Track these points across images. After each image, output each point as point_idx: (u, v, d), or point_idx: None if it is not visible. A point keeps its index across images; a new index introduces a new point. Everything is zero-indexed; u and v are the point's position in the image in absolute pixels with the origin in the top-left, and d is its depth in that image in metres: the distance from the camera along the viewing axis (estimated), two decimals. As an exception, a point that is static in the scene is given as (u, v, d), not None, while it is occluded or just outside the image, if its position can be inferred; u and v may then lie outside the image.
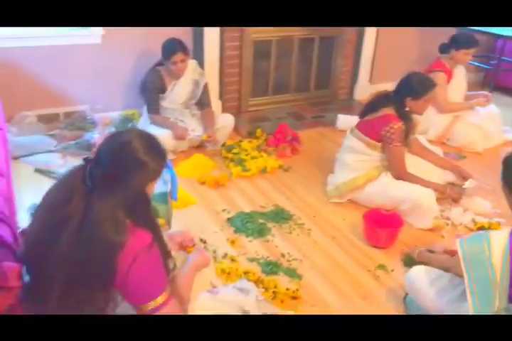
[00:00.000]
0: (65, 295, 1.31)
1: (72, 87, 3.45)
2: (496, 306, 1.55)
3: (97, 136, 3.23)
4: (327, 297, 2.01)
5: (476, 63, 4.62)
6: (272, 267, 2.14)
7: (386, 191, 2.55)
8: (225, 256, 2.21)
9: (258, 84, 4.01)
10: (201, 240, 2.30)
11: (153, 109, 3.14)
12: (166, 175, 2.17)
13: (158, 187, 2.04)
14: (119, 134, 1.43)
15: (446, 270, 1.83)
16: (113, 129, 3.35)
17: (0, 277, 1.29)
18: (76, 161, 2.57)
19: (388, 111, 2.56)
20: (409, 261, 2.18)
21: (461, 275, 1.65)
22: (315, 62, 4.19)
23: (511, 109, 4.08)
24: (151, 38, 3.38)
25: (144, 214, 1.40)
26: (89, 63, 3.43)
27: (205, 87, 3.25)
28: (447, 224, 2.52)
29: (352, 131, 2.71)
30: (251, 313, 1.64)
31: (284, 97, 4.18)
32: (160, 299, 1.37)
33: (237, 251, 2.26)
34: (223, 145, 3.28)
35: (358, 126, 2.68)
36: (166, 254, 1.45)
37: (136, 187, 1.36)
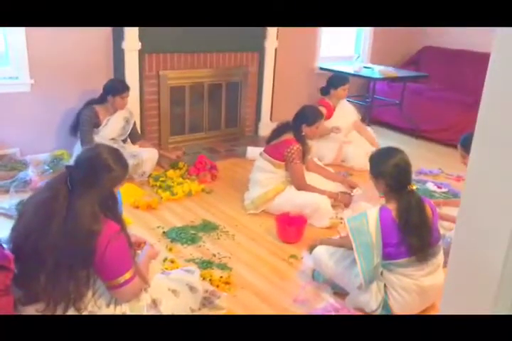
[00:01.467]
0: (54, 274, 1.69)
1: (2, 132, 3.75)
2: (375, 262, 2.13)
3: (31, 174, 3.54)
4: (253, 280, 2.51)
5: (355, 101, 5.53)
6: (206, 264, 2.60)
7: (292, 200, 3.14)
8: (166, 259, 2.63)
9: (175, 124, 4.53)
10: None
11: (88, 142, 3.53)
12: None
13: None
14: (93, 148, 1.89)
15: (341, 246, 2.41)
16: (46, 168, 3.70)
17: (4, 259, 1.65)
18: (15, 198, 2.97)
19: (288, 136, 3.21)
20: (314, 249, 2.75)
21: (350, 248, 2.22)
22: (224, 104, 4.81)
23: (385, 137, 5.00)
24: (77, 85, 3.84)
25: (114, 208, 1.84)
26: (19, 110, 3.76)
27: (135, 124, 3.78)
28: (341, 223, 3.13)
29: (261, 154, 3.32)
30: (196, 288, 2.09)
31: (199, 135, 4.74)
32: (127, 275, 1.80)
33: (175, 255, 2.69)
34: (149, 176, 3.72)
35: (266, 150, 3.30)
36: (130, 242, 1.89)
37: (107, 188, 1.82)
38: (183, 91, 4.48)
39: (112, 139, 3.66)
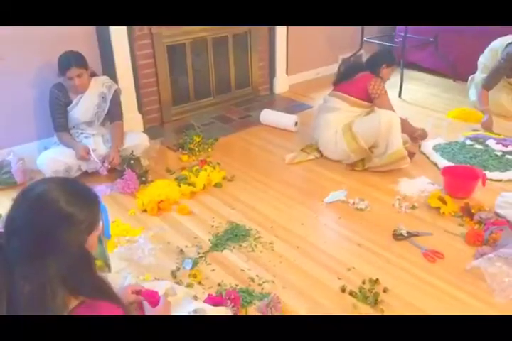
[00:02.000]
0: None
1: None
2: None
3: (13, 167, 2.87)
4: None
5: (382, 42, 4.71)
6: (245, 297, 1.97)
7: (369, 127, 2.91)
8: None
9: (178, 92, 3.79)
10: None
11: (59, 126, 2.87)
12: None
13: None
14: (29, 189, 1.15)
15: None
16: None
17: None
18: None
19: (364, 74, 3.05)
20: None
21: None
22: (232, 60, 4.03)
23: (418, 81, 4.52)
24: (51, 57, 3.02)
25: (94, 280, 1.18)
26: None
27: (115, 99, 2.97)
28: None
29: (331, 95, 3.14)
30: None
31: (207, 101, 4.00)
32: None
33: (202, 287, 2.04)
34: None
35: (338, 89, 3.10)
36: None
37: (71, 249, 1.12)
38: (183, 51, 3.69)
39: (89, 119, 2.93)
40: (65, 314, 1.09)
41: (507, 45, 3.59)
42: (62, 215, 1.11)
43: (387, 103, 3.04)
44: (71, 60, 2.75)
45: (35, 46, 3.01)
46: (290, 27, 4.22)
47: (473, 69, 3.98)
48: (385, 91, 3.02)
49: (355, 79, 3.06)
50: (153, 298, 1.58)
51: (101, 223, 1.84)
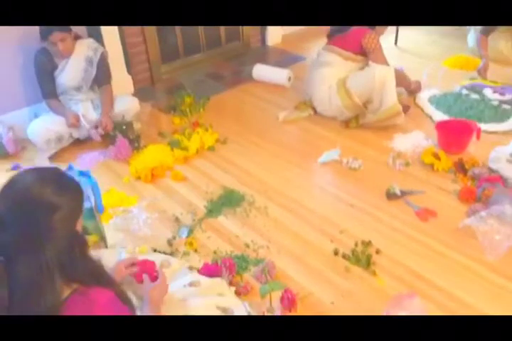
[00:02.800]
0: None
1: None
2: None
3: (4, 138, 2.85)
4: (303, 282, 1.94)
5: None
6: (240, 263, 2.01)
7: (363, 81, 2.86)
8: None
9: (167, 49, 3.68)
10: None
11: (47, 93, 2.82)
12: (86, 188, 1.94)
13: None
14: (11, 183, 1.15)
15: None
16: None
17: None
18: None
19: (359, 27, 2.93)
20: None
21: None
22: (220, 13, 3.88)
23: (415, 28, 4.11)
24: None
25: (87, 265, 1.20)
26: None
27: (102, 62, 2.88)
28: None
29: (324, 49, 3.05)
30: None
31: (198, 57, 3.90)
32: None
33: (198, 255, 2.07)
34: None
35: (332, 43, 3.01)
36: (130, 304, 1.29)
37: (63, 235, 1.13)
38: (169, 6, 3.54)
39: (74, 88, 2.86)
40: (60, 302, 1.12)
41: None
42: (49, 207, 1.12)
43: (382, 57, 2.96)
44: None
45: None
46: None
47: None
48: (380, 46, 2.94)
49: (349, 33, 2.97)
50: (149, 268, 1.62)
51: (92, 199, 1.86)
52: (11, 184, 1.15)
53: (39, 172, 1.21)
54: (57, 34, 2.65)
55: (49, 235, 1.12)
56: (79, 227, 1.24)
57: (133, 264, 1.64)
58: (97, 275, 1.21)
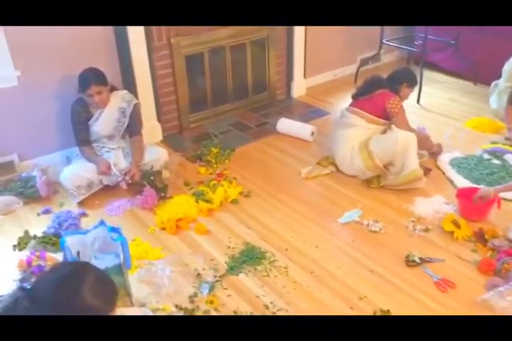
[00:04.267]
0: None
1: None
2: None
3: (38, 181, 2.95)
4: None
5: (400, 46, 4.69)
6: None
7: (385, 145, 2.94)
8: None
9: (196, 99, 3.82)
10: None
11: (81, 140, 2.97)
12: (116, 246, 2.02)
13: (110, 261, 1.91)
14: (59, 269, 1.25)
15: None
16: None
17: None
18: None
19: (383, 91, 3.05)
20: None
21: None
22: (250, 66, 4.03)
23: (438, 83, 4.59)
24: (72, 69, 3.04)
25: None
26: (9, 108, 3.04)
27: (135, 114, 3.03)
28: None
29: (347, 110, 3.14)
30: None
31: (225, 107, 4.03)
32: None
33: (218, 313, 2.12)
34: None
35: (356, 105, 3.10)
36: None
37: None
38: (202, 59, 3.70)
39: (107, 136, 3.00)
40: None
41: None
42: (82, 307, 1.19)
43: (405, 122, 3.05)
44: (90, 79, 2.81)
45: (57, 59, 3.07)
46: (308, 29, 4.19)
47: (495, 72, 3.81)
48: (404, 110, 3.04)
49: (374, 96, 3.07)
50: None
51: (122, 255, 1.93)
52: (59, 268, 1.24)
53: (87, 269, 1.26)
54: (93, 88, 2.80)
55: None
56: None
57: None
58: None
